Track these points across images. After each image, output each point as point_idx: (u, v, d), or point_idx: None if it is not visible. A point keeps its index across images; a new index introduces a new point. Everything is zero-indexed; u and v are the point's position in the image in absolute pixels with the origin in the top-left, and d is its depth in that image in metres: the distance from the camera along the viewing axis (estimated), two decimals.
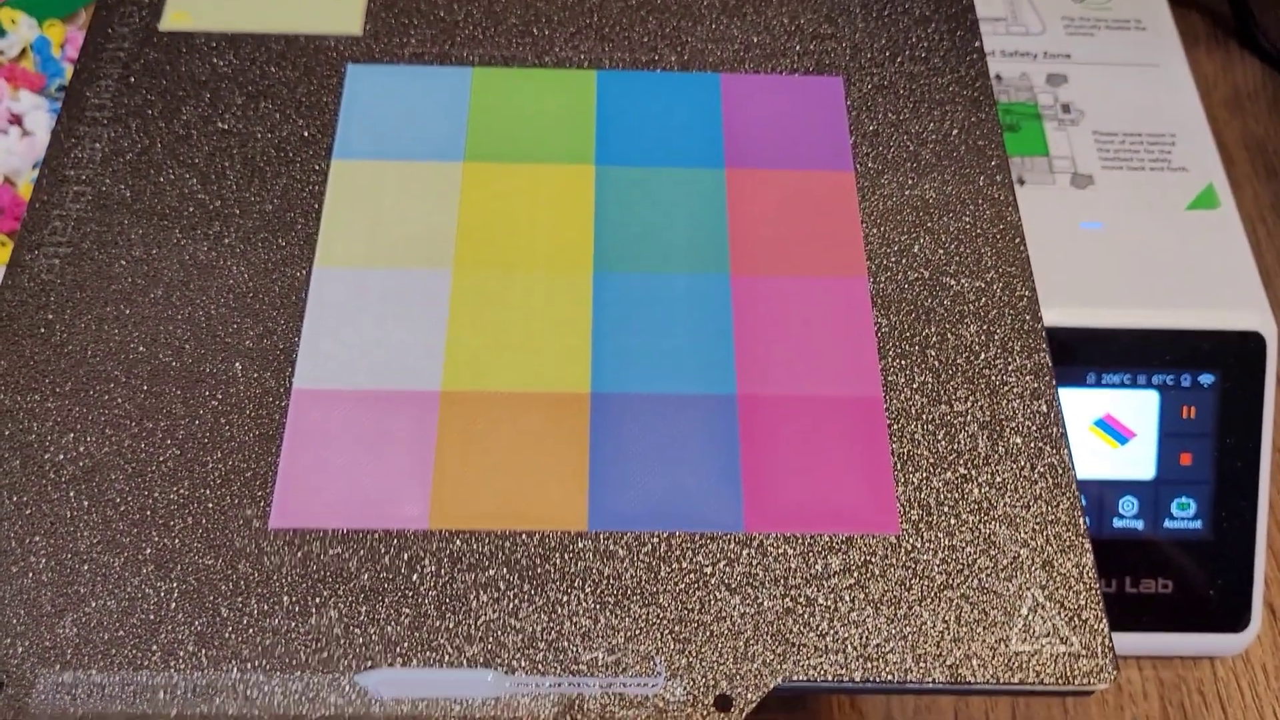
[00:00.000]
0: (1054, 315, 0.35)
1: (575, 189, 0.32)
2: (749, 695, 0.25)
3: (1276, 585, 0.39)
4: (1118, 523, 0.36)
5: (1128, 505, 0.36)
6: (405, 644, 0.26)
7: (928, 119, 0.34)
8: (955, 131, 0.34)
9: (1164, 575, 0.36)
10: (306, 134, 0.33)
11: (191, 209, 0.31)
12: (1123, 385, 0.36)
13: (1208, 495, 0.36)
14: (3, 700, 0.25)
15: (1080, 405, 0.36)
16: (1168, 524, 0.36)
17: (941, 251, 0.32)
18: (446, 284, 0.30)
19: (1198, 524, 0.36)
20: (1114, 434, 0.36)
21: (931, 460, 0.28)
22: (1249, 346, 0.36)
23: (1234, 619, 0.36)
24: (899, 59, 0.35)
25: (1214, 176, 0.39)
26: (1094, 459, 0.36)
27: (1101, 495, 0.36)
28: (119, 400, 0.28)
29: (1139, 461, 0.36)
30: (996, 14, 0.42)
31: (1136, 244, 0.37)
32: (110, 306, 0.30)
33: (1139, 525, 0.36)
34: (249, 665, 0.25)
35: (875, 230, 0.32)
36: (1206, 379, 0.36)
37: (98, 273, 0.30)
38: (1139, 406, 0.36)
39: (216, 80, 0.34)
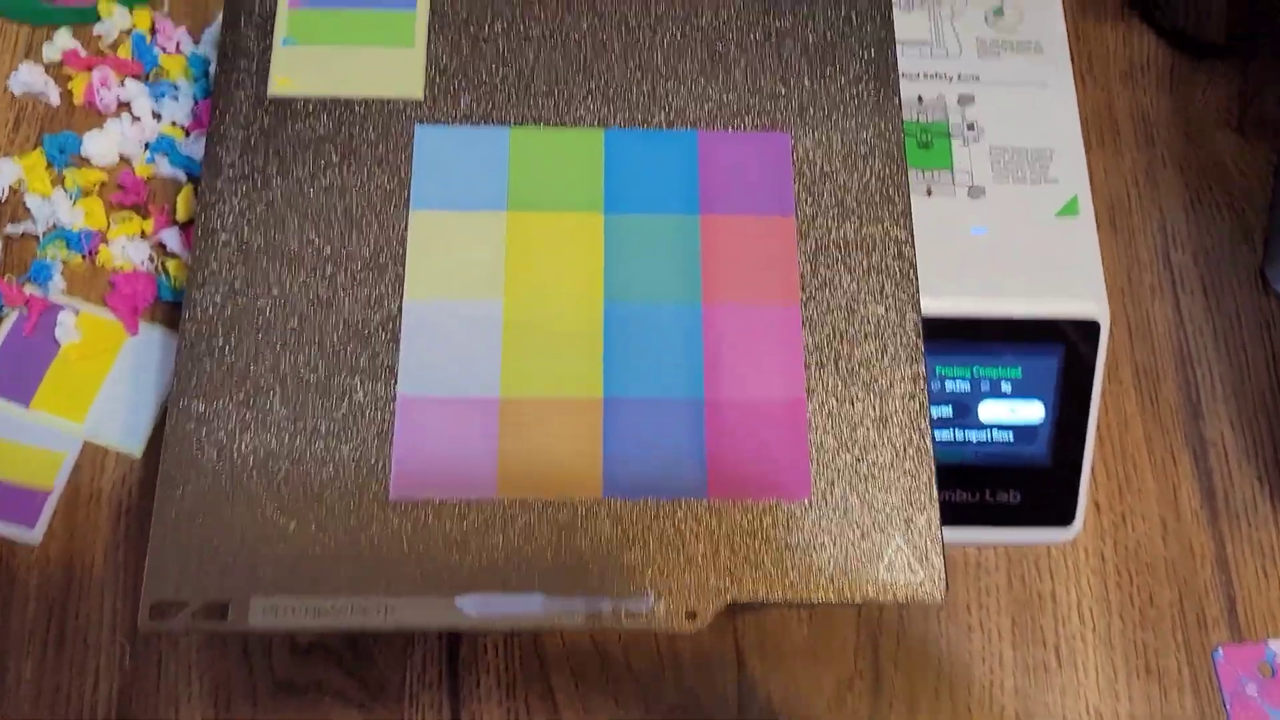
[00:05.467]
0: (943, 305, 0.47)
1: (589, 234, 0.44)
2: (708, 610, 0.39)
3: (1098, 491, 0.53)
4: (984, 452, 0.49)
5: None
6: (485, 576, 0.39)
7: (853, 170, 0.45)
8: (873, 181, 0.45)
9: (1015, 488, 0.50)
10: (388, 188, 0.44)
11: (310, 254, 0.43)
12: (991, 355, 0.48)
13: (1049, 434, 0.49)
14: (232, 616, 0.39)
15: (959, 374, 0.49)
16: (1021, 453, 0.49)
17: (855, 284, 0.44)
18: (499, 313, 0.42)
19: (1043, 452, 0.49)
20: (988, 395, 0.49)
21: (836, 446, 0.42)
22: (1088, 329, 0.48)
23: (1065, 518, 0.50)
24: (834, 115, 0.46)
25: (1079, 188, 0.50)
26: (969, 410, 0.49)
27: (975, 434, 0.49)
28: (276, 406, 0.41)
29: (1004, 411, 0.49)
30: (922, 38, 0.52)
31: (1011, 246, 0.49)
32: (260, 334, 0.42)
33: (1001, 453, 0.49)
34: (385, 592, 0.39)
35: (808, 266, 0.44)
36: (1055, 350, 0.48)
37: (248, 307, 0.42)
38: (1005, 373, 0.49)
39: (317, 142, 0.44)
